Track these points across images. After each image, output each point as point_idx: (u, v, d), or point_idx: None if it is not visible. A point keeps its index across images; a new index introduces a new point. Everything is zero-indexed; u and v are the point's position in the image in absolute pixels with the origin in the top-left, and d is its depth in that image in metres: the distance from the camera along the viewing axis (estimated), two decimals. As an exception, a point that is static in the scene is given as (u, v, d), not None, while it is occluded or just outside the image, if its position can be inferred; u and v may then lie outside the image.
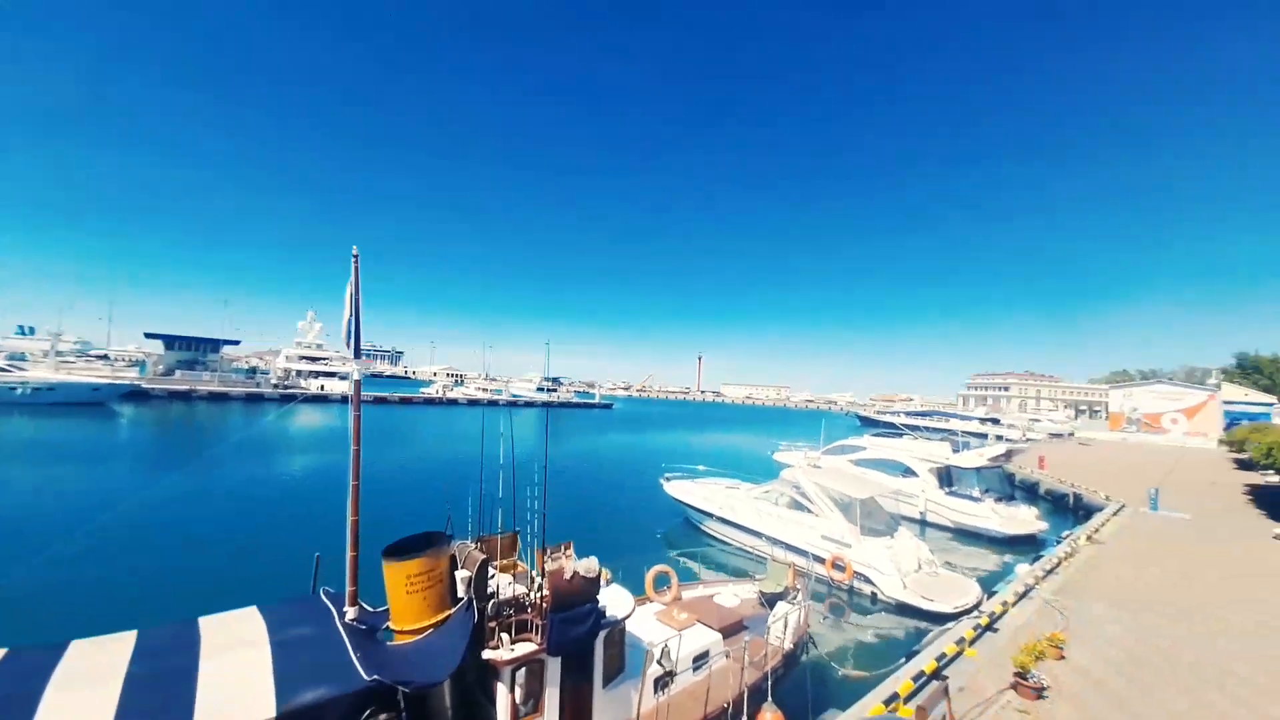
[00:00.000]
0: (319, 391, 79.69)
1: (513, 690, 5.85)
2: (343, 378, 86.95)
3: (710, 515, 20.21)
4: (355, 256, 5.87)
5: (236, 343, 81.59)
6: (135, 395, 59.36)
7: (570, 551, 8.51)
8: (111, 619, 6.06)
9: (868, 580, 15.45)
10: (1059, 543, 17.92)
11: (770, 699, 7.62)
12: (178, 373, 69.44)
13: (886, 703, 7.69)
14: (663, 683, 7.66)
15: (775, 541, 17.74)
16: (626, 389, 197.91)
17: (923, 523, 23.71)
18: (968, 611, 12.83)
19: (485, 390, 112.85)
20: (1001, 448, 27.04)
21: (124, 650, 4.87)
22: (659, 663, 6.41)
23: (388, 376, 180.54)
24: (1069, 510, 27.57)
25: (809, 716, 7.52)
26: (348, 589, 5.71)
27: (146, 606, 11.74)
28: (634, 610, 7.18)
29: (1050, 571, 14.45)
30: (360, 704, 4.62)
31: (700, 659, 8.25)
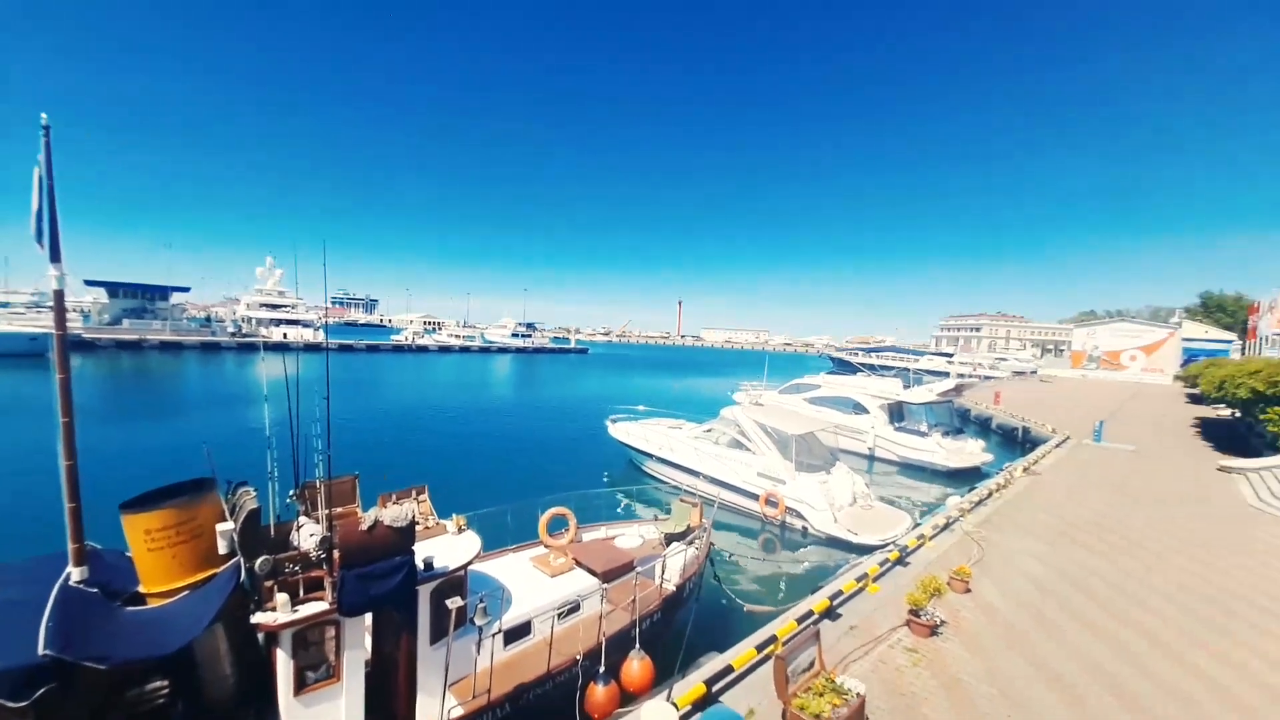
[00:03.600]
0: (282, 340, 77.21)
1: (295, 656, 5.03)
2: (306, 325, 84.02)
3: (651, 456, 19.67)
4: (45, 128, 4.46)
5: (187, 289, 77.72)
6: (79, 346, 56.62)
7: (423, 497, 7.63)
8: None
9: (799, 515, 15.12)
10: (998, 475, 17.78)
11: (638, 645, 7.00)
12: (125, 321, 66.30)
13: (760, 647, 7.14)
14: (516, 634, 6.99)
15: (713, 480, 17.28)
16: (606, 334, 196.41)
17: (871, 458, 23.60)
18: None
19: (459, 337, 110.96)
20: (951, 383, 26.82)
21: None
22: (471, 620, 5.65)
23: (363, 325, 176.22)
24: (1017, 444, 27.79)
25: (680, 661, 6.95)
26: (70, 546, 4.70)
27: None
28: (473, 559, 6.35)
29: (979, 503, 14.18)
30: (31, 679, 3.73)
31: (570, 607, 7.58)
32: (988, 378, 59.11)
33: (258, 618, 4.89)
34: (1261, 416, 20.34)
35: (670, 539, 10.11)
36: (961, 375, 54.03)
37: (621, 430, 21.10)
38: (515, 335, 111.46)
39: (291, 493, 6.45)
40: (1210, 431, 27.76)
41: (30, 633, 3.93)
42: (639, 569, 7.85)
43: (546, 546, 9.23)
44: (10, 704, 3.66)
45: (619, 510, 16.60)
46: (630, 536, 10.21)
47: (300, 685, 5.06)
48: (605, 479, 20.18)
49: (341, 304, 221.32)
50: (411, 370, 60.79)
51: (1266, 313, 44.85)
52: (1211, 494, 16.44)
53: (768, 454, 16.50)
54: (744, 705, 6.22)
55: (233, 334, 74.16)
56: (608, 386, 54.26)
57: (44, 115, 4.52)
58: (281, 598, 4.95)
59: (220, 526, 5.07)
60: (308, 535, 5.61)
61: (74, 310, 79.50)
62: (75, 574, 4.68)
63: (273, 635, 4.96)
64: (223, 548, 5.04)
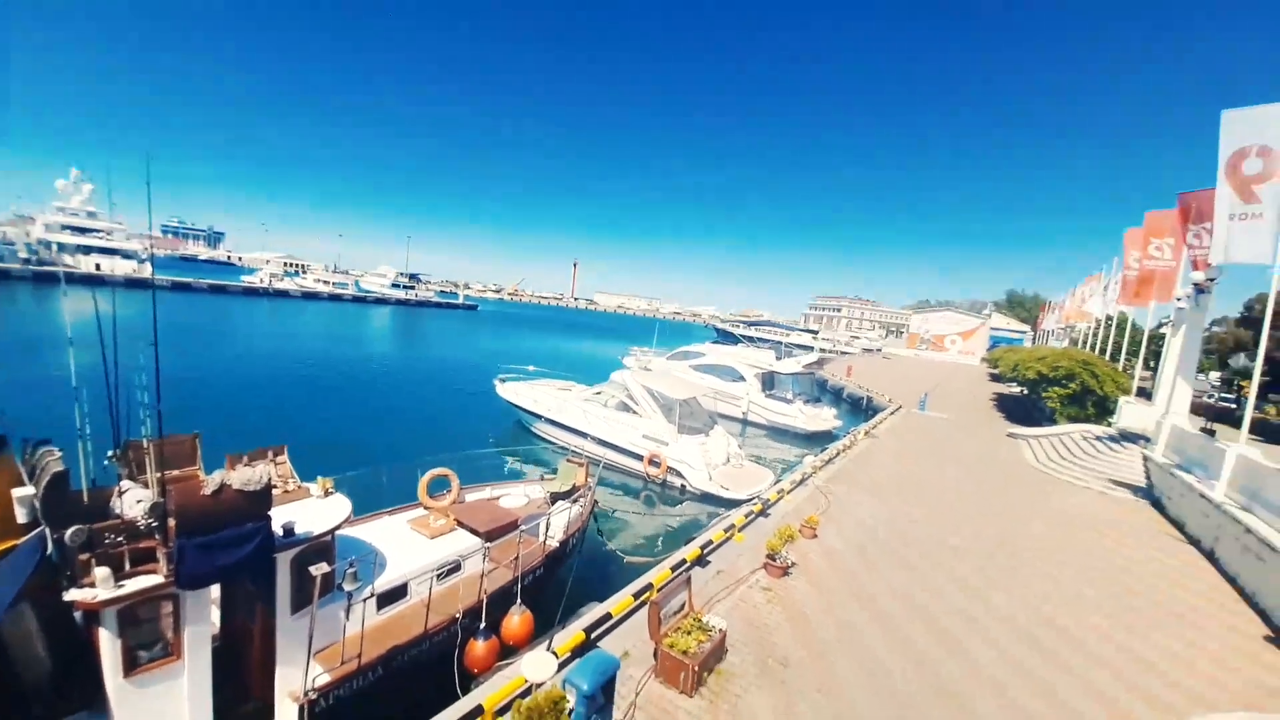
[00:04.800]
0: (95, 272, 63.50)
1: (123, 635, 4.46)
2: (128, 256, 69.68)
3: (539, 417, 19.62)
4: None
5: (-54, 198, 60.62)
6: None
7: (282, 459, 7.00)
8: None
9: (679, 474, 16.13)
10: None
11: (519, 600, 7.17)
12: None
13: (637, 595, 7.69)
14: (390, 597, 6.81)
15: (600, 441, 17.71)
16: (497, 292, 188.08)
17: (744, 421, 25.66)
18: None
19: (328, 283, 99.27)
20: (814, 357, 29.96)
21: None
22: (339, 586, 5.43)
23: (204, 261, 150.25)
24: (863, 411, 31.86)
25: (561, 613, 7.27)
26: None
27: None
28: (341, 523, 6.01)
29: (829, 462, 16.18)
30: None
31: (451, 567, 7.51)
32: (844, 353, 67.09)
33: (72, 595, 4.24)
34: (1044, 394, 25.27)
35: (556, 498, 10.32)
36: (823, 350, 61.15)
37: (510, 390, 20.71)
38: (396, 285, 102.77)
39: (111, 453, 5.56)
40: (1004, 405, 33.92)
41: None
42: (523, 527, 7.95)
43: (426, 508, 8.95)
44: None
45: (505, 471, 16.46)
46: (516, 496, 10.24)
47: (131, 666, 4.53)
48: (491, 440, 19.80)
49: (176, 234, 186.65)
50: (269, 317, 53.91)
51: (1052, 311, 55.14)
52: (1003, 456, 20.28)
53: (653, 417, 17.25)
54: (620, 648, 6.69)
55: (25, 260, 59.55)
56: (497, 345, 52.52)
57: None
58: (101, 572, 4.32)
59: (17, 492, 4.25)
60: (133, 501, 4.89)
61: None
62: None
63: (93, 614, 4.34)
64: (21, 516, 4.26)
